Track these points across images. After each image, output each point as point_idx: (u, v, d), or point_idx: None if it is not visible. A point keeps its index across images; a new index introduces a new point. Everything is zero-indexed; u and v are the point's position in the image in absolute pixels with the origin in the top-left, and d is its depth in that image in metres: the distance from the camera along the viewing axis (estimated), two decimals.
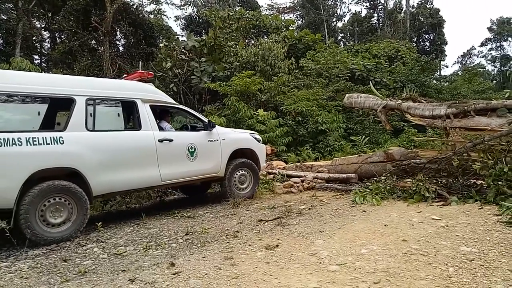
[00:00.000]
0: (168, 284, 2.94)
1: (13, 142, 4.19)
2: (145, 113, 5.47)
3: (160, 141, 5.46)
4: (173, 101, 6.35)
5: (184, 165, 5.73)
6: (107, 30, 17.25)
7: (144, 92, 5.66)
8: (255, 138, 6.95)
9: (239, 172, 6.51)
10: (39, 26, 25.08)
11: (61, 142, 4.54)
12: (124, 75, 7.25)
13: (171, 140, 5.59)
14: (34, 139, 4.34)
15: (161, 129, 5.77)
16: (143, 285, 2.97)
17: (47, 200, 4.38)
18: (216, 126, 6.35)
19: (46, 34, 25.96)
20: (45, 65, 25.04)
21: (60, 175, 4.54)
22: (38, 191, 4.29)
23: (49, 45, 26.10)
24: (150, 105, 5.59)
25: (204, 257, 3.55)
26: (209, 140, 6.10)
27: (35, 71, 10.20)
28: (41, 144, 4.38)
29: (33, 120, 4.86)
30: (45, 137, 4.44)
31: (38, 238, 4.25)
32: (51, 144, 4.46)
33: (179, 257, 3.61)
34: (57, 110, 5.37)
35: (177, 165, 5.66)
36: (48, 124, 5.12)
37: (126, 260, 3.63)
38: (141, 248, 3.97)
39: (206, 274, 3.09)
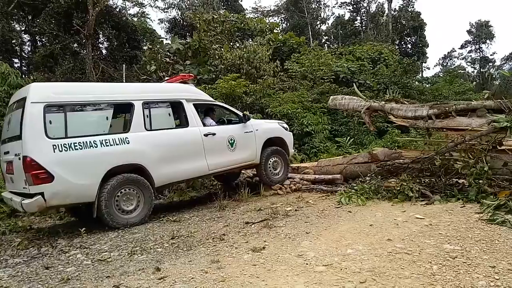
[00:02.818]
0: None
1: (90, 144, 4.92)
2: (191, 111, 6.17)
3: (205, 135, 6.16)
4: (211, 98, 6.95)
5: (226, 155, 6.43)
6: (90, 33, 17.02)
7: (187, 92, 6.36)
8: (283, 127, 7.69)
9: (272, 159, 7.18)
10: (18, 29, 24.51)
11: (127, 142, 5.26)
12: (166, 78, 7.96)
13: (214, 134, 6.28)
14: (106, 141, 5.08)
15: (204, 124, 6.39)
16: None
17: (120, 191, 5.12)
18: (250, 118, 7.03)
19: (26, 37, 25.42)
20: (25, 68, 24.50)
21: (127, 170, 5.23)
22: (113, 184, 5.01)
23: (29, 49, 25.54)
24: (193, 104, 6.27)
25: (190, 261, 3.52)
26: (245, 132, 6.78)
27: (15, 75, 9.97)
28: (112, 145, 5.10)
29: (103, 124, 5.39)
30: (115, 139, 5.16)
31: (116, 223, 5.00)
32: (120, 144, 5.18)
33: (165, 261, 3.57)
34: (120, 114, 6.04)
35: (221, 156, 6.34)
36: (114, 126, 5.66)
37: (111, 266, 3.57)
38: (126, 254, 3.91)
39: (193, 278, 3.06)
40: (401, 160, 6.68)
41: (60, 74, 17.69)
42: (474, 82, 37.81)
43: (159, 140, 5.61)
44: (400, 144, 12.73)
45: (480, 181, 5.00)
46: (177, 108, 6.17)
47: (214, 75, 15.22)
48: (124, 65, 15.13)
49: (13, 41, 23.46)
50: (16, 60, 24.68)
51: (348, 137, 13.58)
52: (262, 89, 14.27)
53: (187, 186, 8.13)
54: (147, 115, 5.61)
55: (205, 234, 4.49)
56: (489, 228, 3.74)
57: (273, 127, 7.50)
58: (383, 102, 7.84)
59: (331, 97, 9.34)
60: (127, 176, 5.19)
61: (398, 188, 5.53)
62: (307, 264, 3.20)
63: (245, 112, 7.20)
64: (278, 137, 7.37)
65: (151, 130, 5.60)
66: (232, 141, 6.50)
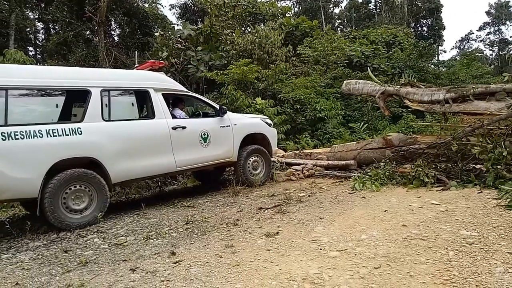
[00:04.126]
0: (169, 273, 2.94)
1: (34, 134, 4.33)
2: (158, 102, 5.60)
3: (174, 128, 5.59)
4: (184, 89, 6.49)
5: (198, 151, 5.87)
6: (102, 20, 17.03)
7: (156, 81, 5.78)
8: (266, 123, 7.07)
9: (252, 158, 6.65)
10: (32, 17, 24.76)
11: (79, 132, 4.68)
12: (136, 66, 7.36)
13: (184, 127, 5.72)
14: (54, 131, 4.49)
15: (174, 117, 5.87)
16: (145, 274, 2.97)
17: (69, 188, 4.55)
18: (228, 112, 6.46)
19: (40, 25, 25.67)
20: (40, 56, 24.82)
21: (80, 164, 4.68)
22: (60, 180, 4.45)
23: (43, 36, 25.84)
24: (162, 94, 5.72)
25: (205, 245, 3.56)
26: (221, 126, 6.23)
27: (30, 63, 10.07)
28: (60, 135, 4.52)
29: (52, 112, 4.99)
30: (64, 129, 4.58)
31: (62, 224, 4.44)
32: (70, 135, 4.60)
33: (180, 246, 3.62)
34: (73, 102, 5.47)
35: (191, 152, 5.79)
36: (66, 115, 5.25)
37: (127, 250, 3.64)
38: (142, 238, 3.98)
39: (207, 262, 3.10)
40: (416, 146, 6.57)
41: (73, 61, 17.86)
42: (493, 65, 36.75)
43: (118, 132, 5.05)
44: (415, 129, 12.57)
45: (498, 167, 4.88)
46: (143, 97, 5.66)
47: (226, 61, 15.14)
48: (136, 52, 15.14)
49: (27, 29, 23.73)
50: (30, 48, 25.07)
51: (362, 123, 13.46)
52: (274, 75, 14.17)
53: None
54: (106, 104, 5.03)
55: (219, 219, 4.53)
56: (507, 214, 3.67)
57: (254, 122, 6.94)
58: (398, 86, 7.69)
59: (345, 81, 9.20)
60: (77, 171, 4.61)
61: (413, 174, 5.44)
62: (320, 249, 3.20)
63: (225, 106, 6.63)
64: (259, 133, 6.79)
65: (109, 120, 5.03)
66: (206, 136, 5.96)
